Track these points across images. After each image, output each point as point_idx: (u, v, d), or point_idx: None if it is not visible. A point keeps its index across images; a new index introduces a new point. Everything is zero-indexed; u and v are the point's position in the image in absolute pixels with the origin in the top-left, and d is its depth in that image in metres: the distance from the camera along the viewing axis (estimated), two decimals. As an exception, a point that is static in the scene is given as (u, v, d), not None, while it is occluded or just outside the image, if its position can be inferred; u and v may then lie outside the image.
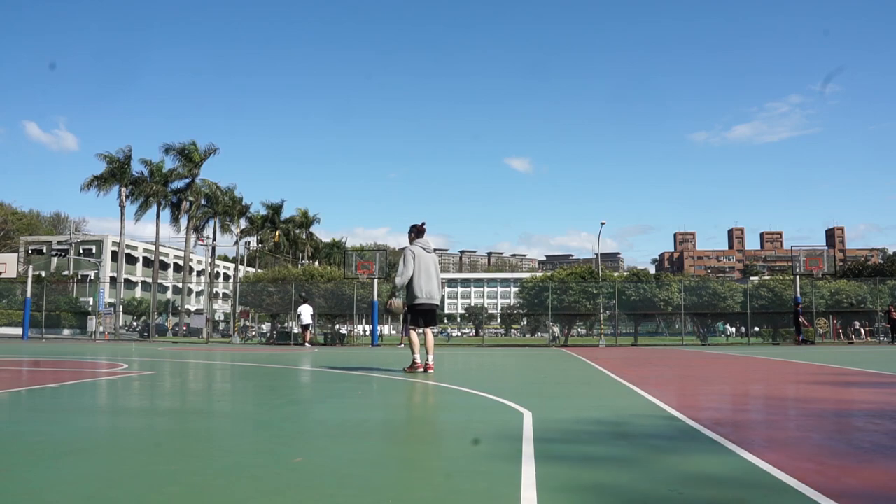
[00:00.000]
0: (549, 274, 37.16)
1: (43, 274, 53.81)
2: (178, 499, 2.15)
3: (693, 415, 4.14)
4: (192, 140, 43.64)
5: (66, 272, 65.05)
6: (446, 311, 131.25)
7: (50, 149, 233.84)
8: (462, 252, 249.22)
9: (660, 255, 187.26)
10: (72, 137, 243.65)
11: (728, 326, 32.05)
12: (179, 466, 2.66)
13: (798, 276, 27.28)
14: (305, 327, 24.29)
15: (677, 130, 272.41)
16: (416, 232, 8.37)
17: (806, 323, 26.48)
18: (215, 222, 48.85)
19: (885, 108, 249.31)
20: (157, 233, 45.97)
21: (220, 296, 79.74)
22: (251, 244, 61.51)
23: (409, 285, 8.10)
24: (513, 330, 71.45)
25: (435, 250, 8.63)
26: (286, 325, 33.69)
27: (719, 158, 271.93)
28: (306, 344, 23.73)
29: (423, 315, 8.10)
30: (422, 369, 7.97)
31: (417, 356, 8.03)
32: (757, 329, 32.24)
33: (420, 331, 8.06)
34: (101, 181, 43.03)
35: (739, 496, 2.21)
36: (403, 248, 8.42)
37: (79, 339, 34.68)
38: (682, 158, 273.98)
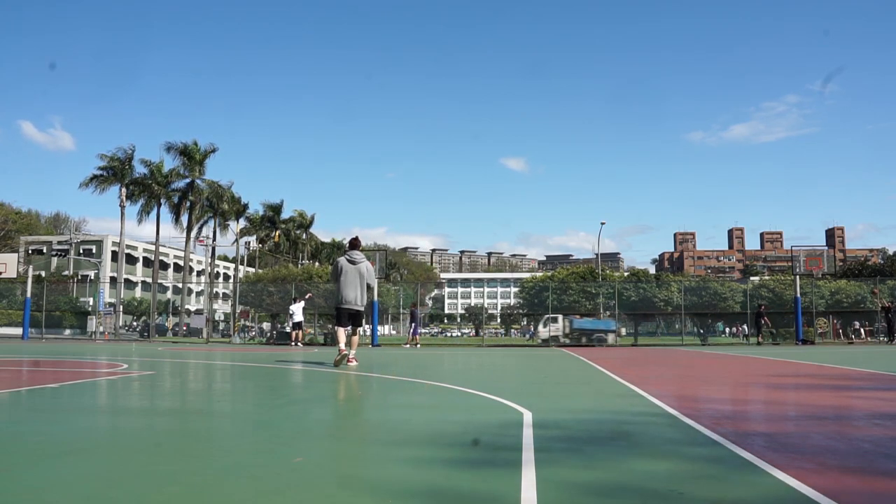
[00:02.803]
0: (549, 274, 37.15)
1: (43, 274, 53.81)
2: (178, 499, 2.15)
3: (693, 415, 4.13)
4: (193, 139, 43.66)
5: (66, 272, 65.02)
6: (446, 310, 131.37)
7: (46, 148, 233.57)
8: (462, 252, 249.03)
9: (660, 255, 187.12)
10: (68, 137, 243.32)
11: (745, 327, 32.02)
12: (179, 466, 2.66)
13: (798, 276, 27.28)
14: (297, 325, 24.27)
15: (674, 130, 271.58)
16: (350, 245, 9.68)
17: (768, 322, 26.65)
18: (215, 222, 48.84)
19: (882, 108, 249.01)
20: (158, 233, 45.98)
21: (220, 296, 79.72)
22: (251, 244, 61.53)
23: (336, 291, 9.50)
24: (513, 330, 71.42)
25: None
26: (286, 325, 33.72)
27: (717, 158, 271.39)
28: (298, 343, 23.66)
29: (345, 316, 9.42)
30: (339, 358, 9.22)
31: (342, 344, 9.34)
32: (746, 329, 32.31)
33: (347, 329, 9.44)
34: (100, 180, 43.02)
35: (739, 496, 2.21)
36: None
37: (79, 339, 34.66)
38: (680, 158, 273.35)
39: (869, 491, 2.34)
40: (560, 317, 29.59)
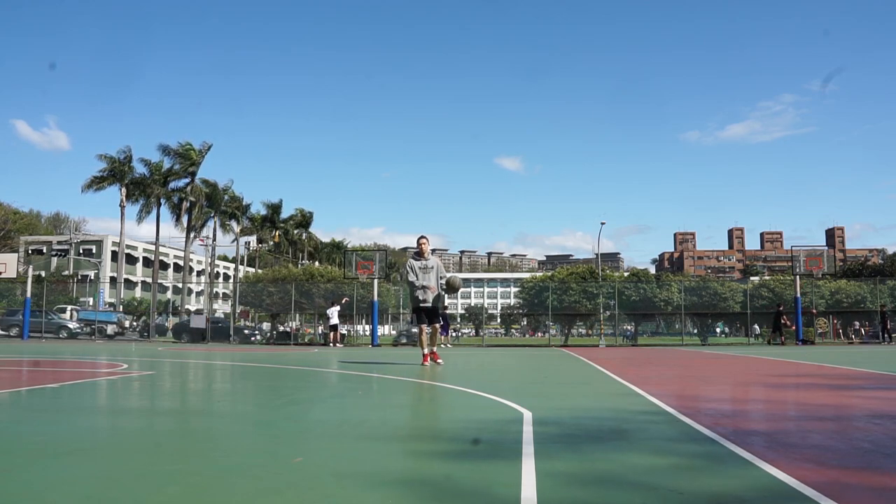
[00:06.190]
0: (549, 274, 37.14)
1: (43, 274, 53.71)
2: (178, 499, 2.15)
3: (693, 415, 4.14)
4: (187, 141, 43.68)
5: (66, 272, 64.92)
6: (446, 310, 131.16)
7: (41, 148, 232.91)
8: (462, 252, 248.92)
9: (660, 255, 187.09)
10: (63, 136, 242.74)
11: (756, 327, 31.85)
12: (179, 466, 2.66)
13: (798, 276, 27.28)
14: (333, 328, 24.82)
15: (670, 130, 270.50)
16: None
17: (788, 322, 26.43)
18: (215, 222, 48.86)
19: (880, 108, 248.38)
20: (157, 233, 46.01)
21: (220, 296, 79.69)
22: (251, 244, 61.53)
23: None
24: (513, 330, 71.41)
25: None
26: (286, 325, 33.75)
27: (714, 158, 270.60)
28: (337, 344, 24.26)
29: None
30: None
31: (425, 348, 9.68)
32: (757, 328, 32.22)
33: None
34: (100, 182, 43.04)
35: (739, 496, 2.22)
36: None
37: (79, 339, 34.62)
38: (676, 158, 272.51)
39: (868, 489, 2.34)
40: (68, 308, 35.25)
